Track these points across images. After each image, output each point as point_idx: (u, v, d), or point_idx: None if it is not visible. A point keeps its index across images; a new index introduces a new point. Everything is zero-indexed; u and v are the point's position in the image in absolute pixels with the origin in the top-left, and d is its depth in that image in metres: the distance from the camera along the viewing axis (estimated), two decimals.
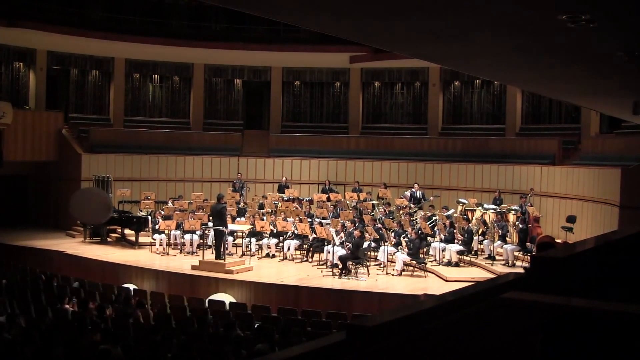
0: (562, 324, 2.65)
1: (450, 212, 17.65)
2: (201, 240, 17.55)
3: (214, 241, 16.67)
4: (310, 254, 17.02)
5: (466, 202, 19.08)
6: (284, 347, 7.59)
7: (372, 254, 16.83)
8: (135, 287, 14.55)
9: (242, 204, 19.80)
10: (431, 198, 19.61)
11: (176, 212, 18.27)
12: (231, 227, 17.07)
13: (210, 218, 17.38)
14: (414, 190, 19.79)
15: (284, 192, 21.12)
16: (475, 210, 18.25)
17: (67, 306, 10.51)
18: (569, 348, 2.69)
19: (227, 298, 13.87)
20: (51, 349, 7.17)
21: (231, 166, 22.99)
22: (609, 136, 20.42)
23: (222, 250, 15.85)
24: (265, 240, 17.57)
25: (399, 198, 19.80)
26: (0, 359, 6.99)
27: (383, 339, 3.43)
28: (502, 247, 16.30)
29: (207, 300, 13.05)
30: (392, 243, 16.25)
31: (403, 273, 15.56)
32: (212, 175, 22.93)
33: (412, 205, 19.05)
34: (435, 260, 16.40)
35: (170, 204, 19.51)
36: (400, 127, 24.74)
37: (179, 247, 18.18)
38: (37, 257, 18.30)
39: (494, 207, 18.14)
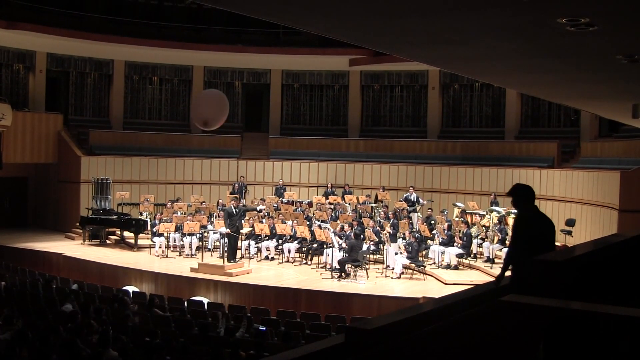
0: (563, 326, 2.66)
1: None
2: (200, 243, 17.54)
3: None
4: (309, 257, 17.02)
5: (462, 205, 19.07)
6: (283, 349, 7.58)
7: (372, 257, 16.81)
8: (136, 290, 14.54)
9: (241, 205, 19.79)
10: (424, 202, 19.62)
11: (175, 215, 18.27)
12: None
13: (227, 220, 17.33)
14: (409, 193, 19.82)
15: (281, 195, 21.13)
16: (475, 213, 18.20)
17: (66, 307, 10.49)
18: (569, 350, 2.70)
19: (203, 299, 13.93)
20: (48, 350, 7.16)
21: (230, 169, 22.99)
22: (608, 139, 20.43)
23: (230, 252, 16.02)
24: (264, 243, 17.56)
25: (397, 201, 19.82)
26: None
27: (382, 342, 3.43)
28: (501, 250, 16.29)
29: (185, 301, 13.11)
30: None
31: (402, 276, 15.56)
32: (211, 178, 22.93)
33: (408, 208, 19.07)
34: (435, 263, 16.39)
35: (168, 205, 19.52)
36: (399, 130, 24.75)
37: (178, 249, 18.17)
38: (36, 259, 18.30)
39: (499, 209, 18.05)
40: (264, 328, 10.05)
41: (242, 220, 17.08)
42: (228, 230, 16.01)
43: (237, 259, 16.45)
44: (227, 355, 7.78)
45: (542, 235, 5.22)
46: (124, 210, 20.54)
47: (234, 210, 16.54)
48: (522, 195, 5.38)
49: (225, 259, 15.72)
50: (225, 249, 15.92)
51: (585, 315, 2.73)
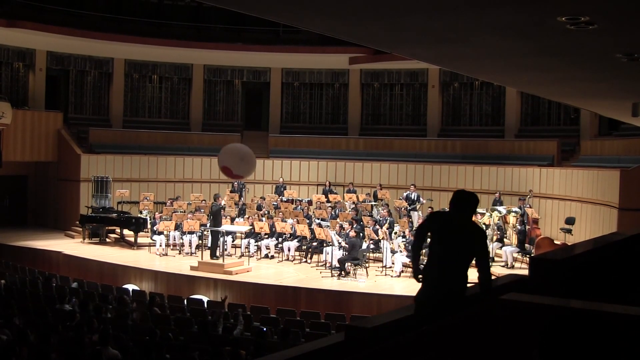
0: (562, 325, 2.66)
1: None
2: (200, 241, 17.55)
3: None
4: (309, 255, 17.03)
5: None
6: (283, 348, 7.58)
7: (372, 255, 16.82)
8: (136, 288, 14.54)
9: (240, 204, 19.81)
10: (424, 201, 19.59)
11: (175, 213, 18.26)
12: (230, 227, 17.09)
13: (210, 218, 17.46)
14: (409, 191, 19.80)
15: (282, 193, 21.12)
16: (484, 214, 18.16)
17: (65, 307, 10.50)
18: (568, 349, 2.70)
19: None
20: (48, 349, 7.17)
21: None
22: (607, 138, 20.43)
23: (216, 250, 16.07)
24: (264, 241, 17.57)
25: (397, 199, 19.80)
26: None
27: (382, 340, 3.43)
28: (500, 248, 16.29)
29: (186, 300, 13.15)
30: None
31: (402, 274, 15.56)
32: (211, 176, 22.90)
33: (408, 207, 19.05)
34: None
35: (168, 204, 19.51)
36: (399, 129, 24.73)
37: (177, 248, 18.17)
38: (36, 257, 18.30)
39: (501, 209, 18.03)
40: (265, 328, 10.05)
41: (220, 219, 16.89)
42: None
43: (217, 256, 16.34)
44: (227, 354, 7.78)
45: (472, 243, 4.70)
46: (124, 209, 20.54)
47: (212, 209, 16.92)
48: (459, 200, 4.73)
49: (222, 256, 15.88)
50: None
51: (585, 314, 2.73)
